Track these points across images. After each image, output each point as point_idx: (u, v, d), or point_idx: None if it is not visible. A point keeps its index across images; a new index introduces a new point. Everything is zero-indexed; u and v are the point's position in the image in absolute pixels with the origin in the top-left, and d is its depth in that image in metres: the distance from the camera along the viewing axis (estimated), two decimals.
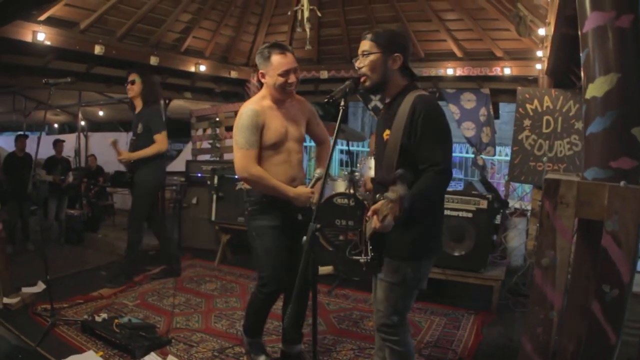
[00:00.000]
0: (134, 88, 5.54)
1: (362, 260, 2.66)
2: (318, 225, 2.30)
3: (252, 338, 3.74)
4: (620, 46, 1.87)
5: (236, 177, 5.69)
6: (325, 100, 2.59)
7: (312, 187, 3.41)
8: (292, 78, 3.35)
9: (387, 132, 2.64)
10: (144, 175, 5.55)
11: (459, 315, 4.86)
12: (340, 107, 2.56)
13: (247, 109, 3.35)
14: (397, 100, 2.67)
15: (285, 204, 3.41)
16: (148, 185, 5.62)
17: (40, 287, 5.12)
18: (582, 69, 2.00)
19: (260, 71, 3.40)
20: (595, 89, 1.91)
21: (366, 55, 2.67)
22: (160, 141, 5.52)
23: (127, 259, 5.76)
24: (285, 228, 3.47)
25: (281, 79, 3.31)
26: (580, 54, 1.99)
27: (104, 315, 4.35)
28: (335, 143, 2.61)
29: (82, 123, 11.91)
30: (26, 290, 5.06)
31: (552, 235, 1.89)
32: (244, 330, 3.76)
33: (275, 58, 3.31)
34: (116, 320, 4.13)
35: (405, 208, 2.28)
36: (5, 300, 4.75)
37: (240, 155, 3.34)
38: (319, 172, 3.42)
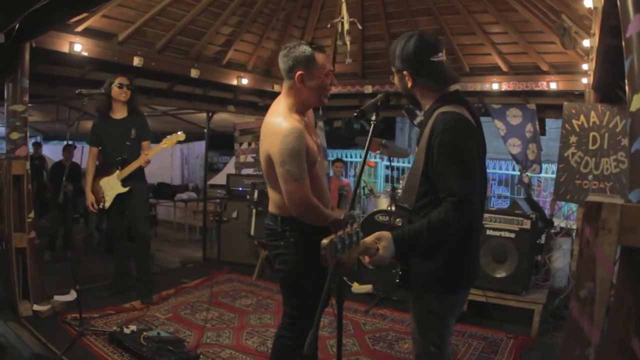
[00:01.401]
0: (129, 93, 5.35)
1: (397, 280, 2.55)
2: (339, 246, 2.13)
3: None
4: None
5: None
6: (355, 114, 2.45)
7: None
8: (332, 79, 2.97)
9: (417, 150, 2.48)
10: (141, 185, 5.49)
11: (497, 339, 4.66)
12: (372, 122, 2.39)
13: (293, 129, 2.72)
14: (426, 117, 2.44)
15: (324, 231, 2.63)
16: (146, 193, 5.66)
17: (72, 295, 5.12)
18: (626, 78, 1.80)
19: (299, 72, 2.80)
20: None
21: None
22: (149, 148, 5.44)
23: (148, 273, 5.67)
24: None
25: (327, 80, 2.91)
26: (624, 62, 1.80)
27: (133, 327, 4.31)
28: (365, 157, 2.43)
29: None
30: (58, 298, 5.10)
31: (592, 264, 1.71)
32: None
33: (320, 56, 2.84)
34: (145, 333, 4.09)
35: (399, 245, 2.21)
36: (36, 307, 4.79)
37: (298, 187, 2.74)
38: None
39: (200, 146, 13.19)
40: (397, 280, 2.53)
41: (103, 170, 5.44)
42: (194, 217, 10.43)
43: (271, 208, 3.03)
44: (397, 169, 11.78)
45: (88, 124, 12.30)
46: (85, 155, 5.33)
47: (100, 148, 5.48)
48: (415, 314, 2.52)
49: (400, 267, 2.51)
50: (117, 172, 5.30)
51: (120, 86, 5.26)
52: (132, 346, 4.02)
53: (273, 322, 4.95)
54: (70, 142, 8.54)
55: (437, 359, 2.48)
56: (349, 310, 5.34)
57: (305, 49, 2.81)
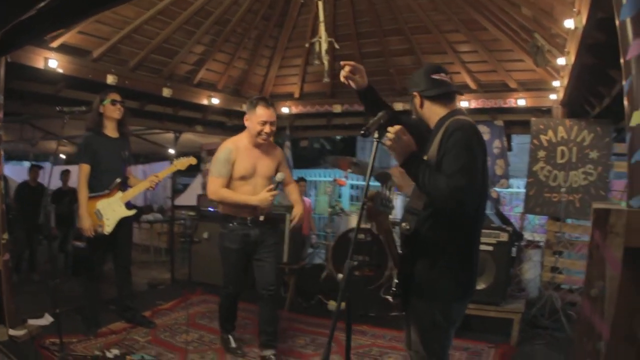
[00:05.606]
0: (122, 109, 5.04)
1: (390, 298, 2.59)
2: (355, 263, 2.19)
3: None
4: None
5: None
6: (361, 132, 2.49)
7: (273, 189, 4.10)
8: (267, 129, 4.14)
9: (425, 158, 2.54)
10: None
11: (479, 350, 4.74)
12: (375, 140, 2.46)
13: (225, 147, 4.24)
14: (435, 129, 2.56)
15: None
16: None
17: (47, 319, 4.99)
18: (625, 97, 1.96)
19: (246, 115, 4.21)
20: None
21: None
22: (131, 174, 5.28)
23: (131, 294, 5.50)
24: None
25: (258, 127, 4.12)
26: (624, 83, 1.96)
27: (116, 352, 4.23)
28: (369, 178, 2.47)
29: None
30: (32, 322, 4.93)
31: (601, 265, 1.82)
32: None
33: (260, 109, 4.12)
34: (128, 357, 4.03)
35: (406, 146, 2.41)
36: (11, 331, 4.61)
37: (211, 182, 4.22)
38: (279, 176, 4.21)
39: (162, 167, 13.00)
40: (394, 290, 2.58)
41: (95, 191, 4.91)
42: (158, 239, 10.29)
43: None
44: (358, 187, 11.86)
45: (52, 144, 12.13)
46: (54, 176, 4.98)
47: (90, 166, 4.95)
48: (418, 326, 2.57)
49: (397, 277, 2.56)
50: (120, 194, 4.97)
51: (114, 103, 4.97)
52: None
53: (254, 342, 4.90)
54: (36, 163, 8.37)
55: None
56: (326, 327, 5.33)
57: (252, 101, 4.20)
